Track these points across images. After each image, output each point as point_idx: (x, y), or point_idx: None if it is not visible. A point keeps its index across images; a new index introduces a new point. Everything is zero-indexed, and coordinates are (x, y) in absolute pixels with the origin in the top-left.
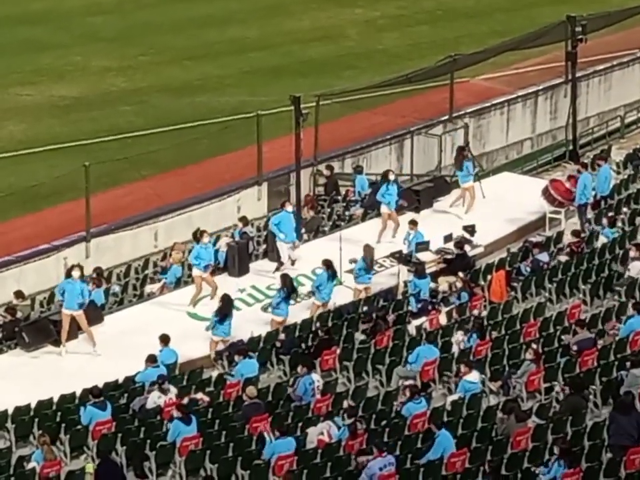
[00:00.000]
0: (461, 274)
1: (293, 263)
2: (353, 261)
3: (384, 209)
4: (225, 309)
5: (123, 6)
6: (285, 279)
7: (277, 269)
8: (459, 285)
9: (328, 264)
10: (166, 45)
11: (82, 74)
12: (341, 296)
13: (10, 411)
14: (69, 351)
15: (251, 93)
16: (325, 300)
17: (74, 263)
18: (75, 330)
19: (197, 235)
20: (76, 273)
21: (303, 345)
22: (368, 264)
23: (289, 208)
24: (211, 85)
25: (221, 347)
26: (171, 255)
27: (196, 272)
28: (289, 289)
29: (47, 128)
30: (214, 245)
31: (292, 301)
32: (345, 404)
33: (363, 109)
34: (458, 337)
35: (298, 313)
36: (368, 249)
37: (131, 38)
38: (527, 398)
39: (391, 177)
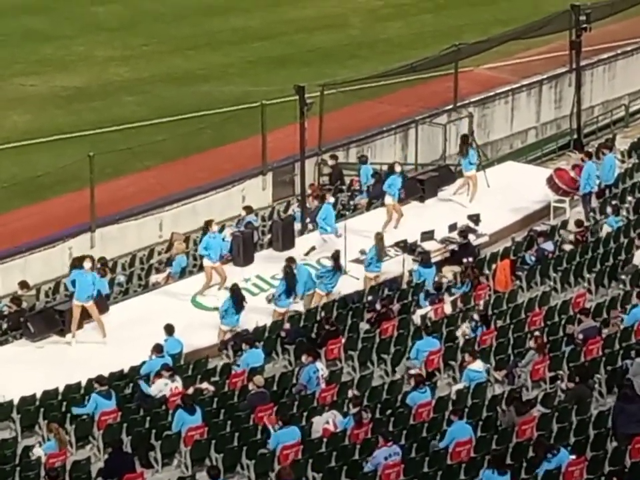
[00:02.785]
0: (465, 260)
1: (312, 249)
2: (362, 252)
3: (388, 200)
4: (238, 296)
5: None
6: (286, 270)
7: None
8: (463, 274)
9: (335, 257)
10: (169, 34)
11: (85, 64)
12: (346, 285)
13: (15, 401)
14: (75, 341)
15: (255, 82)
16: (328, 290)
17: (83, 253)
18: (82, 321)
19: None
20: (87, 264)
21: (309, 335)
22: (379, 252)
23: (331, 200)
24: (215, 74)
25: (228, 336)
26: (173, 245)
27: (206, 262)
28: (289, 281)
29: (51, 118)
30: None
31: (294, 294)
32: (350, 393)
33: (367, 98)
34: (463, 329)
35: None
36: (379, 238)
37: (133, 28)
38: (532, 387)
39: (397, 168)
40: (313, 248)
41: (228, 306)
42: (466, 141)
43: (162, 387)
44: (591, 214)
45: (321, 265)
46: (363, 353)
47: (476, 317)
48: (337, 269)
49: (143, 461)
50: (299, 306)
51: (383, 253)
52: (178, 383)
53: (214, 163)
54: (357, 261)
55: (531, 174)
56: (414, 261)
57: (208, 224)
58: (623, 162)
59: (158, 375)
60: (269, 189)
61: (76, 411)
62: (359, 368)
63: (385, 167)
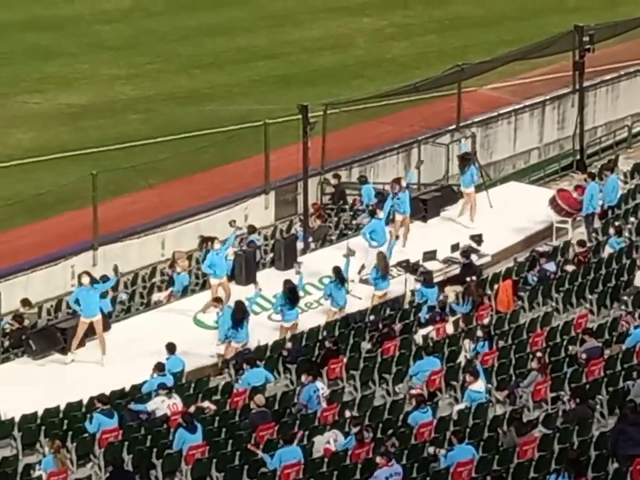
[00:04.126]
0: (468, 279)
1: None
2: (363, 267)
3: (397, 216)
4: (238, 313)
5: (130, 14)
6: (286, 284)
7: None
8: (465, 292)
9: (337, 271)
10: (174, 53)
11: (89, 82)
12: (349, 305)
13: (17, 419)
14: (76, 359)
15: (259, 101)
16: (340, 305)
17: (81, 270)
18: (84, 339)
19: (204, 243)
20: (85, 279)
21: (311, 354)
22: (382, 271)
23: (380, 215)
24: (219, 93)
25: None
26: (176, 263)
27: (213, 280)
28: (289, 294)
29: (55, 136)
30: None
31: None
32: (347, 414)
33: (370, 118)
34: (466, 345)
35: (309, 320)
36: (380, 257)
37: (138, 46)
38: (534, 407)
39: (402, 183)
40: (363, 266)
41: (230, 325)
42: (465, 158)
43: (159, 404)
44: (594, 235)
45: (324, 285)
46: (365, 373)
47: (479, 332)
48: (341, 282)
49: (144, 479)
50: (220, 349)
51: (387, 270)
52: (176, 400)
53: (217, 181)
54: (360, 280)
55: (534, 194)
56: (416, 281)
57: (211, 241)
58: (625, 183)
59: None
60: (272, 207)
61: (88, 427)
62: (361, 387)
63: (387, 187)
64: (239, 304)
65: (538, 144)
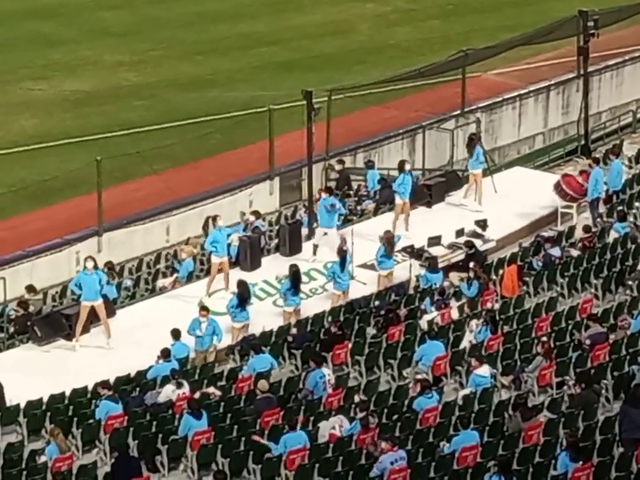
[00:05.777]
0: (472, 265)
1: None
2: (315, 247)
3: (398, 199)
4: (244, 293)
5: (133, 0)
6: (291, 269)
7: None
8: (471, 275)
9: (341, 252)
10: (177, 39)
11: (93, 68)
12: (353, 290)
13: (22, 405)
14: (81, 345)
15: (262, 87)
16: (343, 288)
17: (86, 256)
18: (88, 324)
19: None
20: (89, 264)
21: (316, 340)
22: (388, 249)
23: (324, 195)
24: (222, 79)
25: (243, 333)
26: (182, 249)
27: (214, 258)
28: (293, 279)
29: (59, 122)
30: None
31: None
32: (356, 398)
33: (374, 104)
34: (472, 326)
35: (313, 305)
36: (388, 236)
37: (141, 33)
38: (539, 392)
39: (407, 166)
40: (316, 246)
41: (237, 303)
42: (473, 139)
43: (169, 393)
44: (598, 220)
45: (327, 268)
46: (370, 358)
47: (483, 317)
48: (342, 265)
49: (149, 465)
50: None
51: (392, 249)
52: (185, 389)
53: (222, 167)
54: (364, 266)
55: (538, 180)
56: (421, 267)
57: (214, 219)
58: (630, 168)
59: (166, 379)
60: (276, 193)
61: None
62: (366, 373)
63: (392, 172)
64: (244, 283)
65: (542, 129)
